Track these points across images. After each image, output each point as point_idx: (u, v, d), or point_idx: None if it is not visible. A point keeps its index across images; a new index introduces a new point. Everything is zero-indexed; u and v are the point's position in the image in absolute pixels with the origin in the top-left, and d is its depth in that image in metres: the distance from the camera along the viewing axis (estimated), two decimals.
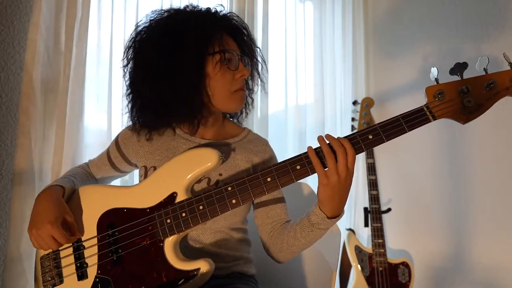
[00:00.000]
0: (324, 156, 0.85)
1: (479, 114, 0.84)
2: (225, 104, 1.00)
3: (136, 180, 1.46)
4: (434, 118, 0.85)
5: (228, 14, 1.03)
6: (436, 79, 0.86)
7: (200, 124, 1.00)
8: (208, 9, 1.02)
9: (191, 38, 0.94)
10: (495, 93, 0.84)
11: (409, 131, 0.85)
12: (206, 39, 0.95)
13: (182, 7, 1.03)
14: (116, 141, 1.10)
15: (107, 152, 1.12)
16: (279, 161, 1.09)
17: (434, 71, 0.86)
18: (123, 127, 1.12)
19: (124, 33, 1.47)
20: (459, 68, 0.84)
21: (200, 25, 0.96)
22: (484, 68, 0.84)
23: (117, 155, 1.10)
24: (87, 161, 1.18)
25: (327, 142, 0.86)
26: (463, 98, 0.84)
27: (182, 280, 0.87)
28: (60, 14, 1.31)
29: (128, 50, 1.01)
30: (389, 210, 1.99)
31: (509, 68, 0.83)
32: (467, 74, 0.85)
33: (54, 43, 1.31)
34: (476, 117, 0.85)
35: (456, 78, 0.86)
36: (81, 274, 0.92)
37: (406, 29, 2.14)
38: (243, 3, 1.77)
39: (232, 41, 1.01)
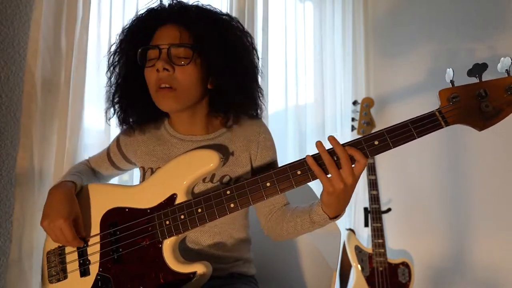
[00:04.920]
0: (325, 165, 0.81)
1: (498, 121, 0.77)
2: (156, 103, 0.95)
3: (136, 181, 1.46)
4: (447, 124, 0.79)
5: (171, 3, 0.98)
6: (452, 81, 0.79)
7: (160, 119, 1.06)
8: (152, 8, 0.99)
9: (129, 46, 0.98)
10: None
11: (418, 137, 0.79)
12: (137, 44, 0.96)
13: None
14: (117, 139, 1.11)
15: (107, 151, 1.13)
16: (277, 148, 1.07)
17: (450, 72, 0.79)
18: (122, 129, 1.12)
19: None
20: (477, 69, 0.77)
21: (134, 30, 0.98)
22: (507, 70, 0.77)
23: (116, 153, 1.11)
24: (86, 158, 1.18)
25: (330, 146, 0.82)
26: (481, 102, 0.77)
27: (179, 282, 0.87)
28: (60, 13, 1.31)
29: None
30: (389, 210, 1.99)
31: None
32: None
33: (55, 43, 1.31)
34: (494, 123, 0.77)
35: (474, 80, 0.79)
36: (84, 271, 0.94)
37: (406, 29, 2.14)
38: (243, 3, 1.77)
39: (170, 31, 0.94)
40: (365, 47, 2.30)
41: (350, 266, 1.92)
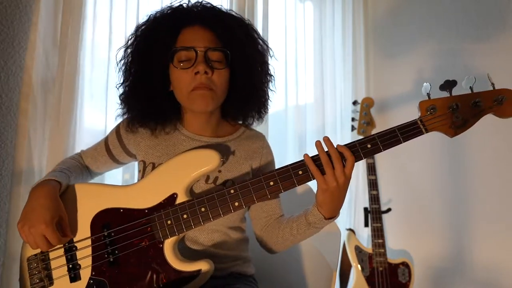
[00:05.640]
0: (322, 164, 0.87)
1: (465, 129, 0.91)
2: (187, 104, 0.98)
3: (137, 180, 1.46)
4: (427, 131, 0.90)
5: (197, 5, 0.99)
6: (428, 94, 0.91)
7: (180, 120, 1.04)
8: (176, 7, 0.99)
9: (151, 44, 0.96)
10: (480, 110, 0.90)
11: (404, 142, 0.90)
12: (161, 43, 0.95)
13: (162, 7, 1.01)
14: (117, 131, 1.07)
15: (105, 142, 1.08)
16: (276, 159, 1.11)
17: (427, 86, 0.91)
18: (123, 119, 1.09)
19: (125, 33, 1.46)
20: (448, 85, 0.90)
21: (158, 28, 0.96)
22: (470, 87, 0.90)
23: (116, 145, 1.06)
24: (79, 151, 1.14)
25: (325, 147, 0.88)
26: (453, 113, 0.90)
27: (183, 281, 0.87)
28: (58, 15, 1.31)
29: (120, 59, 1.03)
30: (389, 210, 1.99)
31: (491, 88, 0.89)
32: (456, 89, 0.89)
33: (52, 44, 1.31)
34: (462, 131, 0.91)
35: (445, 94, 0.90)
36: (74, 276, 0.89)
37: (406, 29, 2.14)
38: (243, 3, 1.77)
39: (202, 33, 0.95)
40: (365, 47, 2.30)
41: (350, 266, 1.92)
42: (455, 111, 0.90)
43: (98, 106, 1.42)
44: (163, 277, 0.88)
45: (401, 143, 0.90)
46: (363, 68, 2.28)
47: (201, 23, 0.96)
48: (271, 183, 0.90)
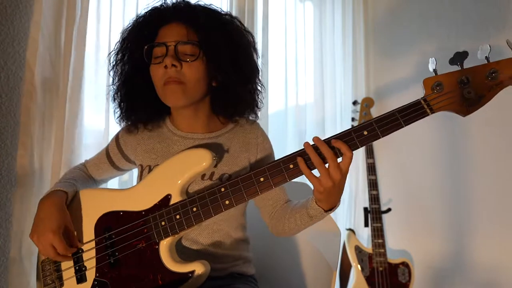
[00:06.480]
0: (315, 165, 0.83)
1: (480, 106, 0.80)
2: (162, 100, 0.97)
3: (135, 182, 1.46)
4: (432, 111, 0.82)
5: (174, 2, 1.00)
6: (435, 70, 0.82)
7: (163, 117, 1.06)
8: (155, 7, 1.00)
9: (133, 47, 0.98)
10: (497, 82, 0.78)
11: (405, 125, 0.82)
12: (142, 43, 0.97)
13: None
14: (117, 139, 1.10)
15: (106, 150, 1.12)
16: (276, 148, 1.10)
17: (432, 61, 0.82)
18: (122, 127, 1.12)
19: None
20: (459, 57, 0.80)
21: (139, 30, 0.99)
22: (486, 57, 0.79)
23: (116, 153, 1.10)
24: (83, 161, 1.17)
25: (315, 145, 0.84)
26: (463, 89, 0.80)
27: (177, 282, 0.87)
28: (60, 13, 1.31)
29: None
30: (389, 210, 1.99)
31: None
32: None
33: (54, 43, 1.31)
34: (477, 109, 0.80)
35: (456, 68, 0.81)
36: (80, 277, 0.92)
37: (406, 29, 2.14)
38: (243, 3, 1.77)
39: (176, 29, 0.96)
40: (365, 47, 2.30)
41: (350, 266, 1.92)
42: (466, 86, 0.79)
43: (100, 107, 1.42)
44: (159, 278, 0.88)
45: (402, 127, 0.81)
46: (363, 68, 2.29)
47: (176, 19, 0.97)
48: (262, 179, 0.86)
